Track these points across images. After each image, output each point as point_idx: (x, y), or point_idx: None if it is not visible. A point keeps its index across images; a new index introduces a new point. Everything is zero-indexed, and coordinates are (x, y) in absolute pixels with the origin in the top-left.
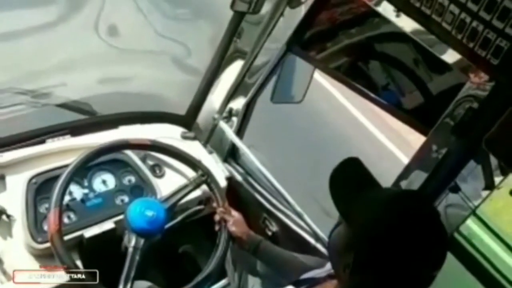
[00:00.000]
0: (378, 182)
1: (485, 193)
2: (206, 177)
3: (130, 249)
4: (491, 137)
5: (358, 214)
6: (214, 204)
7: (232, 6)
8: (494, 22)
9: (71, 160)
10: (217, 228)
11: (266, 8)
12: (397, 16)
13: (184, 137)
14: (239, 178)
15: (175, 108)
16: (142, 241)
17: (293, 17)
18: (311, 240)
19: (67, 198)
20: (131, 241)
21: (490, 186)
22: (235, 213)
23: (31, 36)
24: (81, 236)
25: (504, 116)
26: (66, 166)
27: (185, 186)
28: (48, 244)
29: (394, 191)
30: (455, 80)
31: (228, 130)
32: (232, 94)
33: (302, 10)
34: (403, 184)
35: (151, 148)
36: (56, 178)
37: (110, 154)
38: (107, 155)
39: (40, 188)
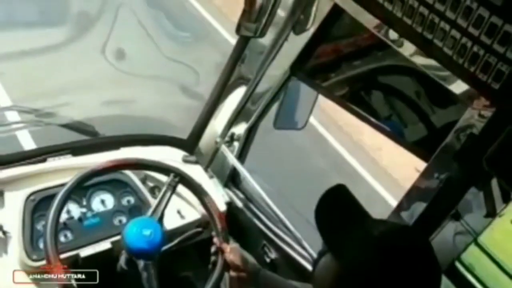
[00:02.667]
0: (365, 211)
1: (486, 220)
2: (178, 178)
3: (144, 275)
4: (491, 156)
5: (349, 251)
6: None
7: (238, 31)
8: (495, 46)
9: (70, 178)
10: (213, 258)
11: (269, 34)
12: (401, 45)
13: (186, 161)
14: (239, 203)
15: (178, 132)
16: (150, 263)
17: (297, 43)
18: (311, 269)
19: (64, 216)
20: (140, 266)
21: (491, 213)
22: (232, 244)
23: (38, 56)
24: (77, 256)
25: (504, 134)
26: (65, 184)
27: (164, 193)
28: (42, 262)
29: (385, 226)
30: (457, 112)
31: (230, 155)
32: (234, 119)
33: (307, 36)
34: (404, 211)
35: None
36: (54, 196)
37: (109, 174)
38: (107, 175)
39: (38, 206)
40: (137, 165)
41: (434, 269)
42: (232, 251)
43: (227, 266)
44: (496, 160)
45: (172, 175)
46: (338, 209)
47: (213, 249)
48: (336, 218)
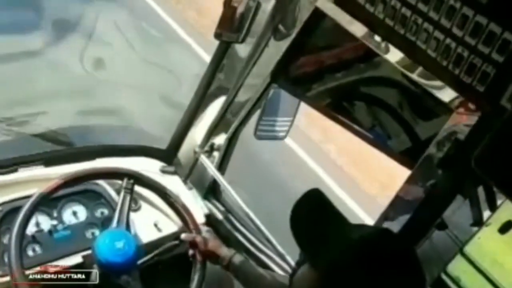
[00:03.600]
0: (342, 215)
1: (473, 230)
2: (133, 179)
3: None
4: (481, 155)
5: (326, 258)
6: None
7: (219, 36)
8: (480, 47)
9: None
10: (191, 252)
11: (249, 40)
12: (386, 51)
13: (164, 172)
14: (219, 215)
15: (156, 142)
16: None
17: (278, 49)
18: None
19: (33, 229)
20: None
21: (478, 222)
22: (204, 232)
23: (13, 63)
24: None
25: (493, 133)
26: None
27: (123, 199)
28: (7, 278)
29: (363, 231)
30: (440, 123)
31: (209, 165)
32: (214, 129)
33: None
34: (388, 221)
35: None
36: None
37: (82, 185)
38: (80, 186)
39: (5, 217)
40: (88, 176)
41: (418, 273)
42: (204, 240)
43: (202, 256)
44: (485, 160)
45: (126, 178)
46: (314, 214)
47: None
48: (312, 223)
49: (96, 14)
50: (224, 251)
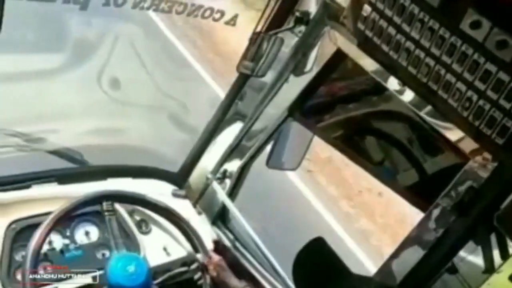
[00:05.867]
0: (345, 266)
1: (484, 276)
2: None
3: None
4: (504, 214)
5: None
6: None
7: (238, 67)
8: (501, 102)
9: (54, 208)
10: (196, 276)
11: (270, 73)
12: (402, 92)
13: (175, 195)
14: (227, 242)
15: (168, 165)
16: None
17: (297, 84)
18: None
19: (46, 247)
20: None
21: (489, 269)
22: (215, 257)
23: (32, 80)
24: None
25: None
26: (48, 213)
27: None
28: None
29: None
30: (451, 160)
31: (220, 191)
32: (228, 155)
33: (306, 77)
34: (397, 262)
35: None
36: (36, 225)
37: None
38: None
39: (19, 235)
40: (79, 205)
41: None
42: (215, 266)
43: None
44: (507, 218)
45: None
46: (317, 265)
47: (194, 265)
48: (315, 276)
49: (116, 35)
50: (235, 283)
